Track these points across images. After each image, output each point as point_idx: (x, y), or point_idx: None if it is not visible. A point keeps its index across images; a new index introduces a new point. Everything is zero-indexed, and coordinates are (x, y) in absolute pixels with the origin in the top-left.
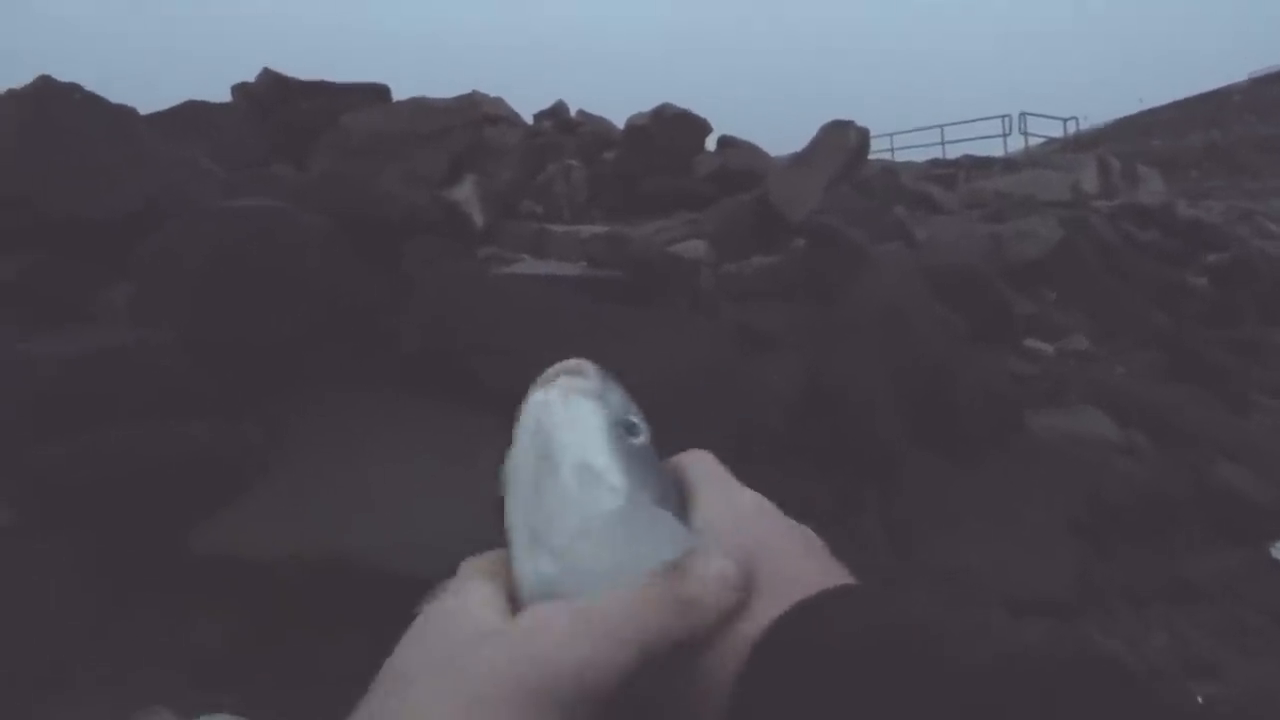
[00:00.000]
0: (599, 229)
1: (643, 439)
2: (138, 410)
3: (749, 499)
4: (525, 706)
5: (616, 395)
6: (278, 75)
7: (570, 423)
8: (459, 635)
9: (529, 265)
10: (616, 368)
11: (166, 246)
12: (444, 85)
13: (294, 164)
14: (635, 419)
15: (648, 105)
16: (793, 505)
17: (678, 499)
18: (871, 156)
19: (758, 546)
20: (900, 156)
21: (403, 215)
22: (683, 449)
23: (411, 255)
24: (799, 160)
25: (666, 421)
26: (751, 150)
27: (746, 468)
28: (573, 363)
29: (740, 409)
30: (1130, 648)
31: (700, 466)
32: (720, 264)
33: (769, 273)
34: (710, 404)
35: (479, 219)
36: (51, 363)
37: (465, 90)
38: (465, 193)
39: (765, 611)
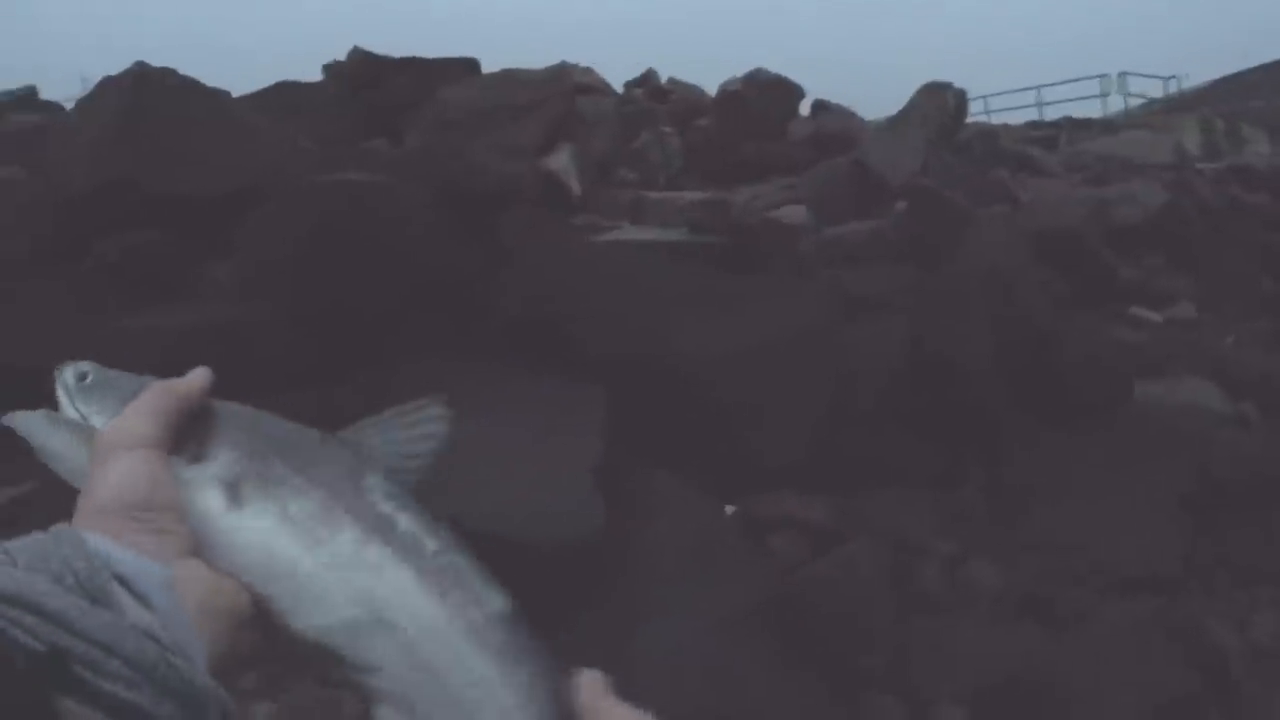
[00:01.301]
0: (697, 195)
1: (90, 379)
2: (242, 383)
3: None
4: None
5: (71, 369)
6: (368, 53)
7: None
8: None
9: (627, 232)
10: (718, 334)
11: (268, 222)
12: (530, 58)
13: (389, 139)
14: (86, 370)
15: (736, 73)
16: (893, 474)
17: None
18: (968, 119)
19: None
20: (996, 119)
21: (499, 185)
22: (786, 415)
23: (509, 225)
24: (896, 123)
25: (771, 387)
26: (846, 114)
27: (847, 434)
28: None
29: (842, 375)
30: (1237, 628)
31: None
32: (820, 228)
33: (870, 237)
34: (812, 370)
35: (576, 187)
36: (156, 336)
37: (553, 62)
38: (562, 161)
39: None
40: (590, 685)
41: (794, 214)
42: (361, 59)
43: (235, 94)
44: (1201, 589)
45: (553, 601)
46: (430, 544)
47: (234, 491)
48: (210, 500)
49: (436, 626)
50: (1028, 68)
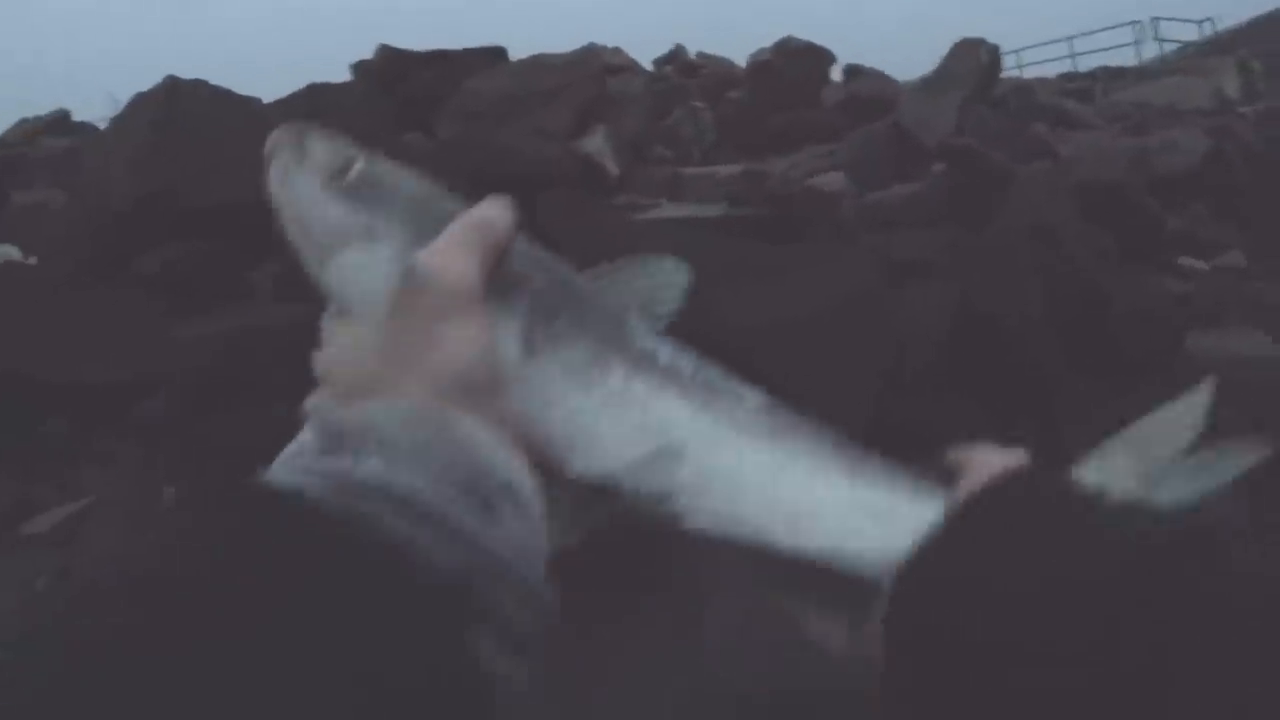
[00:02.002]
0: (733, 168)
1: (356, 172)
2: (295, 384)
3: None
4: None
5: (321, 145)
6: (394, 49)
7: (284, 191)
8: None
9: (667, 209)
10: (765, 305)
11: None
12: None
13: (421, 133)
14: (350, 155)
15: (765, 43)
16: (947, 436)
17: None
18: (1001, 75)
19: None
20: (1029, 73)
21: (535, 169)
22: (840, 384)
23: (547, 208)
24: (930, 83)
25: (820, 357)
26: (879, 77)
27: (899, 401)
28: (279, 133)
29: (892, 340)
30: None
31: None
32: (860, 194)
33: (911, 200)
34: (862, 336)
35: (613, 168)
36: (210, 342)
37: (581, 44)
38: (597, 143)
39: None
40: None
41: (833, 181)
42: (389, 55)
43: (265, 99)
44: (1260, 544)
45: (617, 587)
46: (687, 366)
47: (530, 341)
48: (509, 350)
49: (712, 433)
50: (1058, 19)
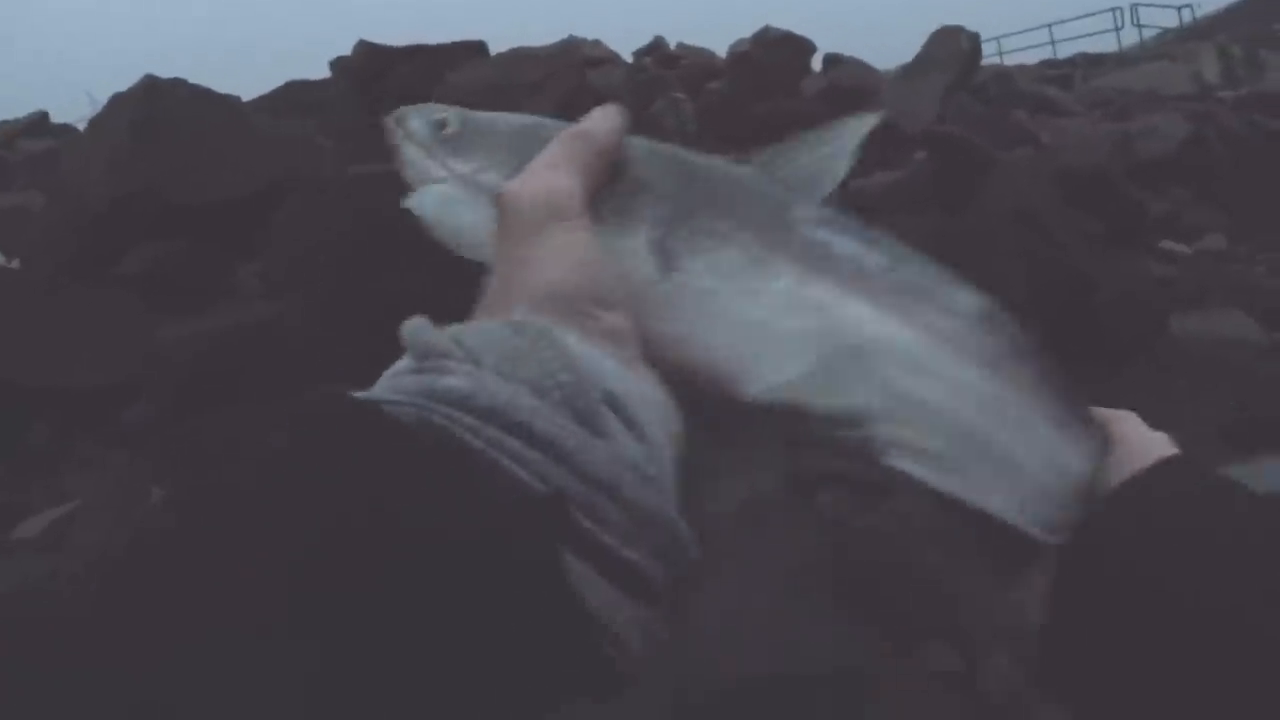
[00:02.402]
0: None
1: (452, 127)
2: (282, 381)
3: None
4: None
5: (418, 116)
6: (374, 45)
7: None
8: None
9: None
10: None
11: (293, 220)
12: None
13: None
14: (443, 116)
15: (747, 33)
16: None
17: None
18: (981, 62)
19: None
20: (1009, 60)
21: None
22: None
23: None
24: (910, 71)
25: None
26: (859, 66)
27: None
28: (386, 125)
29: None
30: None
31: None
32: (844, 182)
33: (894, 187)
34: None
35: None
36: (192, 343)
37: (561, 37)
38: None
39: (1127, 464)
40: (1117, 418)
41: None
42: (368, 51)
43: (244, 97)
44: None
45: None
46: (877, 261)
47: (666, 254)
48: (641, 269)
49: (909, 349)
50: (1038, 6)
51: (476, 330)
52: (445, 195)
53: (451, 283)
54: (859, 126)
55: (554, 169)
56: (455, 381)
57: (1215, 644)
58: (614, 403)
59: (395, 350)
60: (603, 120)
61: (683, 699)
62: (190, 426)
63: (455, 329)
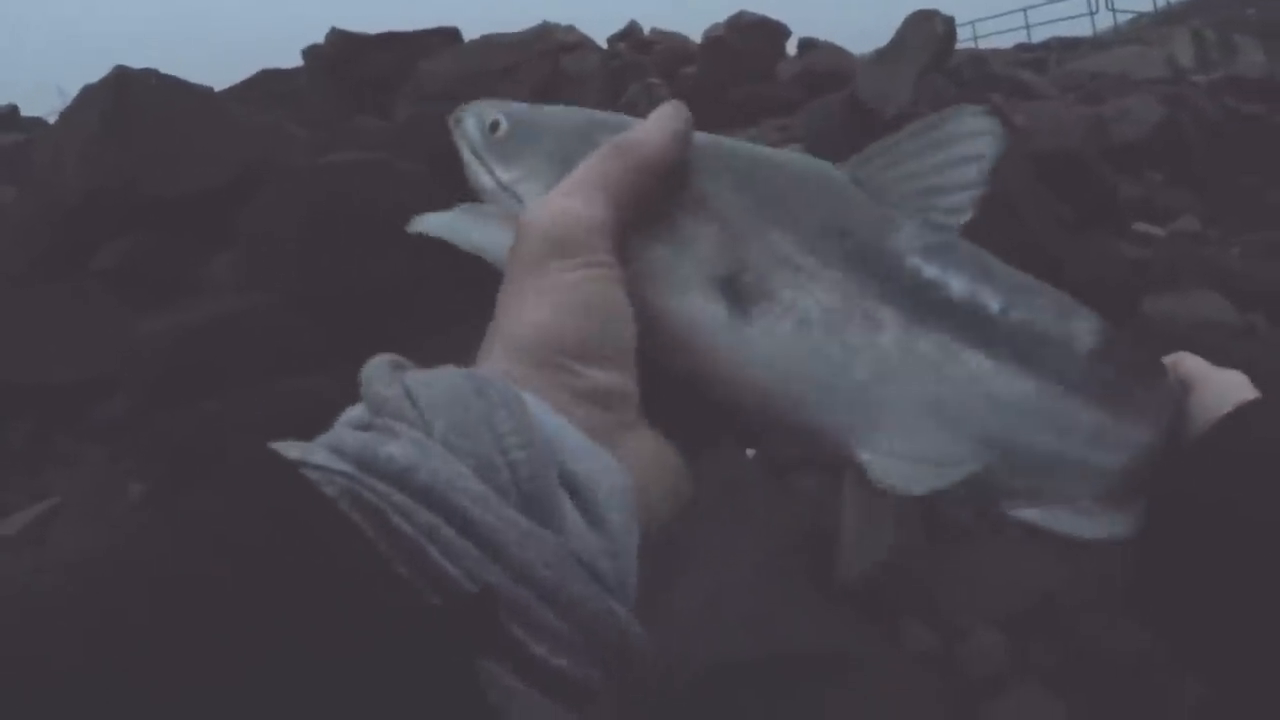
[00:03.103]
0: None
1: (503, 130)
2: (258, 372)
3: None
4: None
5: (473, 116)
6: (346, 33)
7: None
8: None
9: None
10: None
11: (266, 210)
12: (511, 21)
13: (377, 116)
14: (496, 117)
15: (721, 18)
16: None
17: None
18: (956, 46)
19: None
20: (984, 44)
21: None
22: None
23: None
24: (885, 55)
25: None
26: (834, 50)
27: None
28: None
29: None
30: None
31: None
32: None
33: None
34: None
35: None
36: (167, 336)
37: (535, 23)
38: None
39: (1213, 408)
40: (1180, 360)
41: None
42: (341, 39)
43: (216, 87)
44: None
45: None
46: (994, 302)
47: (733, 290)
48: (702, 309)
49: (1026, 401)
50: None
51: (436, 384)
52: (447, 223)
53: (427, 273)
54: (977, 127)
55: (577, 193)
56: (397, 450)
57: None
58: (573, 484)
59: (368, 341)
60: (656, 127)
61: (664, 682)
62: (167, 423)
63: (415, 379)
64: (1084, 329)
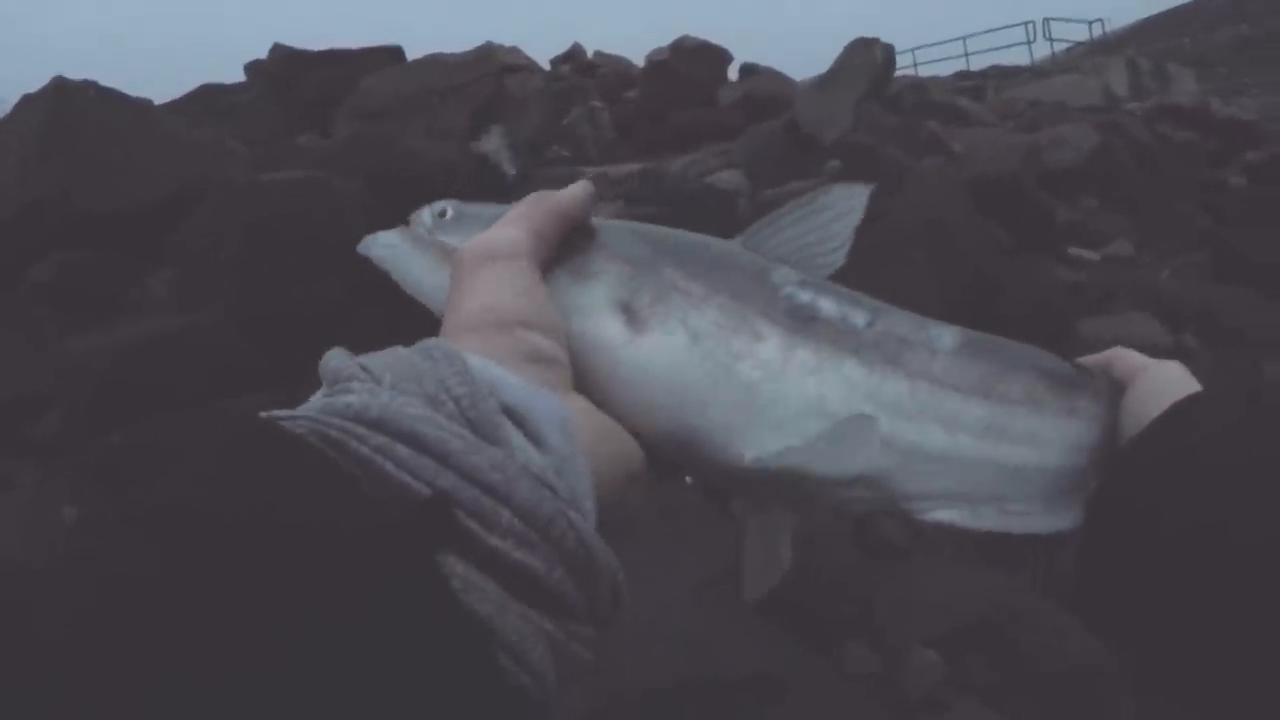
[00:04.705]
0: (631, 167)
1: (449, 215)
2: (195, 392)
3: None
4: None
5: (427, 209)
6: (290, 49)
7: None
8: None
9: None
10: None
11: (204, 228)
12: (456, 41)
13: (318, 134)
14: (444, 207)
15: (664, 42)
16: None
17: None
18: (895, 73)
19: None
20: (924, 71)
21: (433, 171)
22: None
23: None
24: (825, 82)
25: None
26: (775, 76)
27: None
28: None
29: None
30: None
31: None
32: (756, 191)
33: None
34: None
35: (509, 168)
36: (104, 354)
37: (479, 43)
38: (494, 143)
39: (1151, 404)
40: (1117, 356)
41: (729, 179)
42: (283, 55)
43: (156, 100)
44: None
45: None
46: (860, 318)
47: (631, 311)
48: (605, 327)
49: (902, 400)
50: (953, 19)
51: (385, 355)
52: (391, 243)
53: (365, 292)
54: (849, 197)
55: (504, 223)
56: (353, 398)
57: (1244, 572)
58: (514, 415)
59: (306, 359)
60: (568, 189)
61: (600, 707)
62: (101, 443)
63: (366, 356)
64: (943, 334)
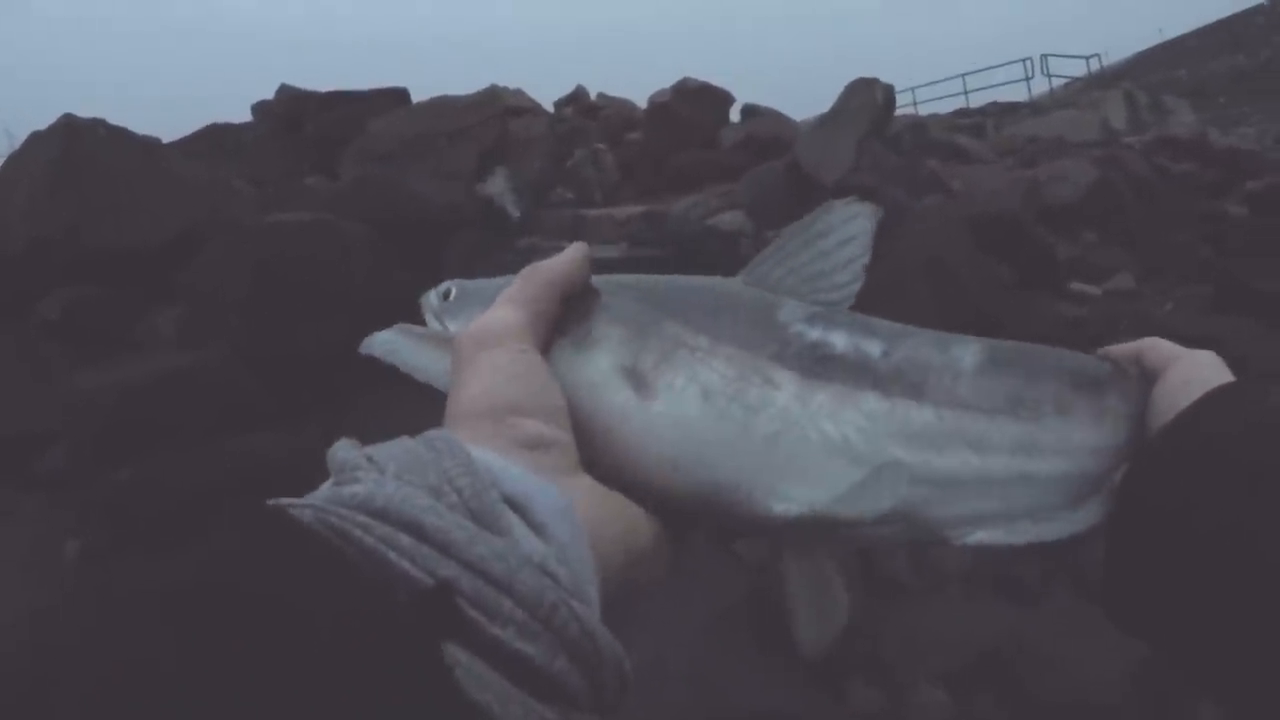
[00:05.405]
0: (635, 209)
1: (453, 295)
2: (201, 430)
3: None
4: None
5: (433, 290)
6: (296, 90)
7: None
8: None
9: None
10: None
11: (211, 267)
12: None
13: (325, 175)
14: (449, 287)
15: (666, 83)
16: None
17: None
18: (896, 112)
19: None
20: (924, 109)
21: (439, 213)
22: None
23: (452, 252)
24: (826, 122)
25: None
26: (776, 117)
27: None
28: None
29: None
30: None
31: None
32: (759, 232)
33: None
34: None
35: (514, 210)
36: (110, 391)
37: (483, 86)
38: (498, 186)
39: (1180, 396)
40: (1148, 346)
41: (732, 220)
42: (290, 96)
43: (164, 138)
44: None
45: None
46: (875, 348)
47: (637, 376)
48: (613, 396)
49: (928, 429)
50: (952, 57)
51: (390, 445)
52: (389, 340)
53: (368, 332)
54: (853, 218)
55: (500, 304)
56: (359, 488)
57: (1272, 568)
58: (516, 505)
59: (311, 398)
60: (564, 256)
61: None
62: (109, 479)
63: (373, 447)
64: (965, 352)
